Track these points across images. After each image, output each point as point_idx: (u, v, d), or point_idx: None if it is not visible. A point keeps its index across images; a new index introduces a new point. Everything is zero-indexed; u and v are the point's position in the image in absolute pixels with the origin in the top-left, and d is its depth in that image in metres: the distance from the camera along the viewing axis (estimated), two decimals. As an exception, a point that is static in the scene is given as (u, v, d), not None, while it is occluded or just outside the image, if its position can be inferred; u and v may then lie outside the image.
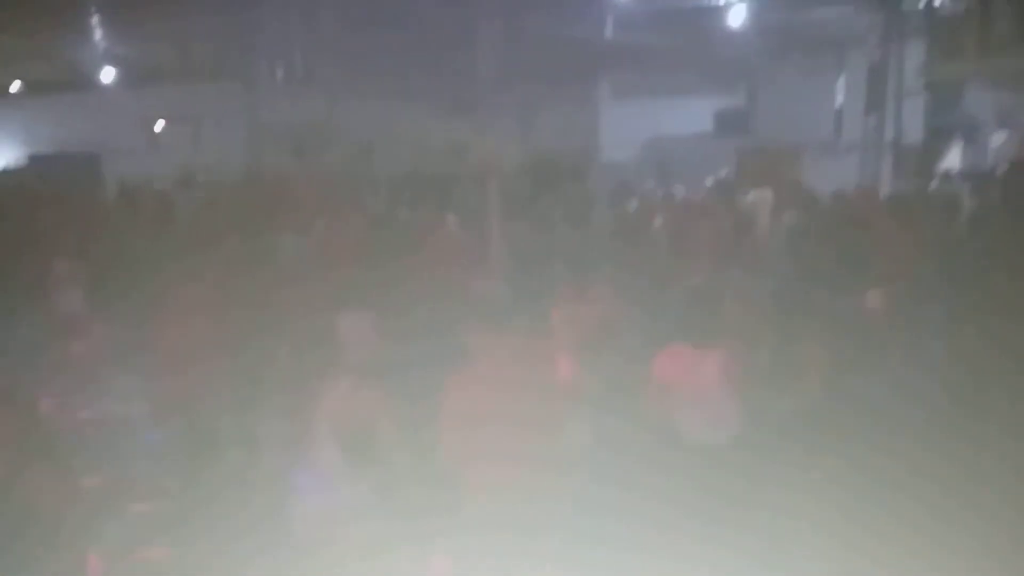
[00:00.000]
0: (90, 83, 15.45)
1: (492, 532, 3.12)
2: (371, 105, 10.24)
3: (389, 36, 9.69)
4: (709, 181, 12.24)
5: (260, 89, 10.51)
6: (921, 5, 9.39)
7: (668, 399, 3.81)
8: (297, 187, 7.99)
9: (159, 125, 15.52)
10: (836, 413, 3.69)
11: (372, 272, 4.76)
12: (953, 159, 10.67)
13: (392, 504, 3.15)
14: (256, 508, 3.29)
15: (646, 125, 15.94)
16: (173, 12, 9.69)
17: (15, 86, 17.48)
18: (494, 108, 4.99)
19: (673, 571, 3.32)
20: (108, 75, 15.63)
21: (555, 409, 3.30)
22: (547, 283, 4.67)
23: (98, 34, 13.53)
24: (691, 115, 15.54)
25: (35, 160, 14.31)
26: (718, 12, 11.85)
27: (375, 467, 3.16)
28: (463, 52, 6.06)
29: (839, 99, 13.41)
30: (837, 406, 3.75)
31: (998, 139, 13.25)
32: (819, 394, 3.84)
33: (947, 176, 10.27)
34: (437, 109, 10.53)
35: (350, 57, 9.99)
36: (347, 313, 3.60)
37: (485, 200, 5.63)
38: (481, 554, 3.13)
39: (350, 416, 3.19)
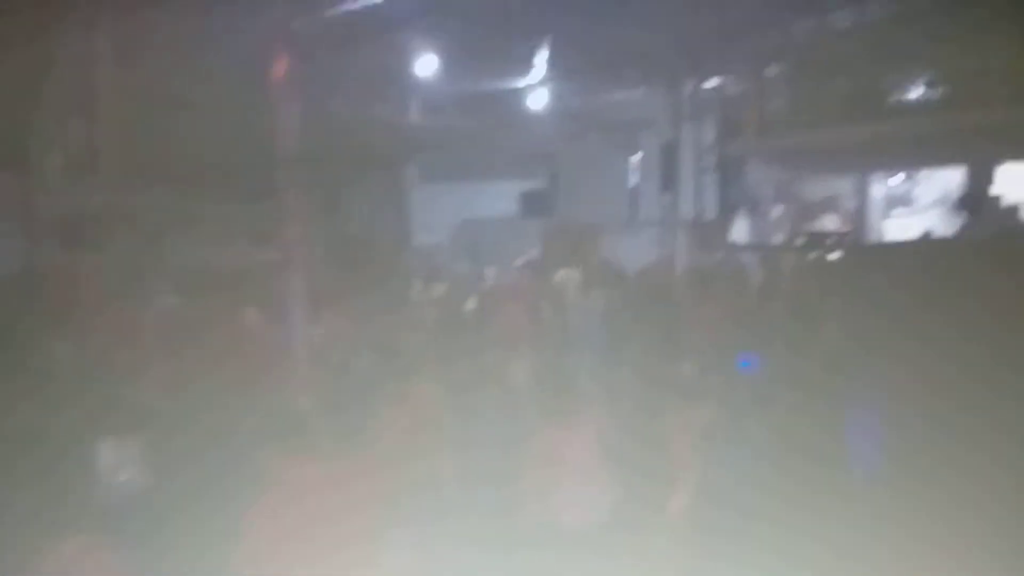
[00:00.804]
0: None
1: None
2: (160, 191, 9.59)
3: (179, 116, 9.16)
4: (519, 261, 12.45)
5: (35, 178, 9.55)
6: (707, 86, 10.10)
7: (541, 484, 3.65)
8: (75, 283, 7.26)
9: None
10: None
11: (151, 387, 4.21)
12: (741, 232, 11.42)
13: None
14: None
15: (454, 208, 16.08)
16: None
17: None
18: (296, 192, 4.70)
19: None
20: None
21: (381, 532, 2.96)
22: (362, 386, 4.37)
23: None
24: (497, 197, 15.84)
25: None
26: (519, 96, 12.21)
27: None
28: (261, 133, 5.75)
29: (635, 178, 14.13)
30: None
31: (776, 212, 14.44)
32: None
33: (736, 249, 10.96)
34: (234, 194, 10.02)
35: (136, 139, 9.33)
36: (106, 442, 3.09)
37: (289, 290, 5.29)
38: None
39: None
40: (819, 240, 10.44)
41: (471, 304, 7.84)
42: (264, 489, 2.95)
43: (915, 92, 11.99)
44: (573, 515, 3.71)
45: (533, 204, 15.38)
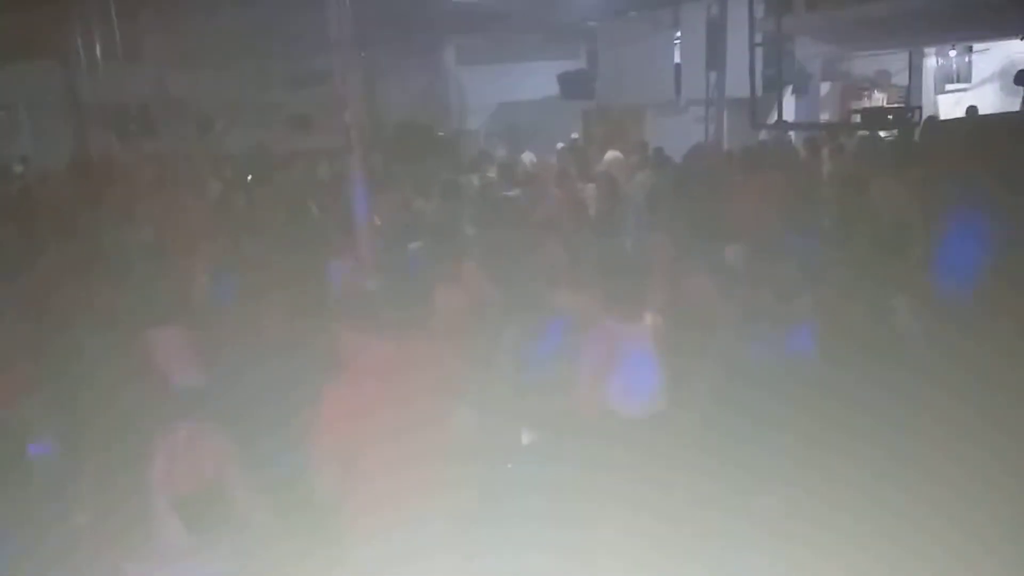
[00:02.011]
0: None
1: None
2: (206, 79, 9.59)
3: (219, 4, 9.05)
4: (560, 145, 12.34)
5: (79, 67, 9.57)
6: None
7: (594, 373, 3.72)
8: (130, 172, 7.41)
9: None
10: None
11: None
12: (787, 110, 11.16)
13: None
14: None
15: (492, 91, 15.83)
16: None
17: None
18: (343, 77, 4.70)
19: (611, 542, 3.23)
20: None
21: (452, 409, 3.09)
22: (419, 268, 4.47)
23: None
24: (536, 78, 15.53)
25: None
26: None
27: (231, 536, 2.71)
28: (304, 18, 5.69)
29: (678, 56, 13.73)
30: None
31: (824, 89, 14.05)
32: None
33: (784, 127, 10.74)
34: (280, 80, 10.01)
35: (178, 28, 9.27)
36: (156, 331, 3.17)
37: (340, 176, 5.34)
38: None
39: (188, 477, 2.67)
40: (870, 117, 10.15)
41: (515, 190, 7.86)
42: (334, 365, 3.05)
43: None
44: (622, 396, 3.79)
45: (572, 85, 15.04)
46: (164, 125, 8.87)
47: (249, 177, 6.61)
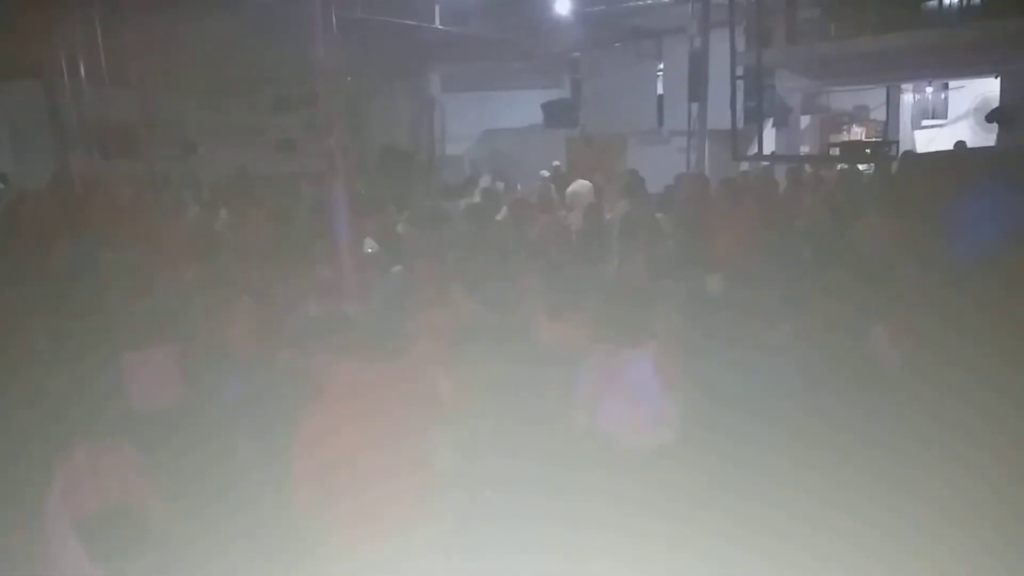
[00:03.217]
0: None
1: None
2: (191, 101, 9.59)
3: (207, 26, 9.08)
4: (544, 172, 12.42)
5: (63, 88, 9.55)
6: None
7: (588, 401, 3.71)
8: (108, 192, 7.37)
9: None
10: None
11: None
12: (768, 143, 11.33)
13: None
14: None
15: (477, 118, 15.96)
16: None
17: None
18: (328, 102, 4.71)
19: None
20: None
21: (432, 436, 3.08)
22: (402, 291, 4.46)
23: None
24: (520, 107, 15.68)
25: None
26: (543, 2, 11.94)
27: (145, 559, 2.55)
28: (292, 43, 5.71)
29: (661, 87, 13.91)
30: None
31: (804, 122, 14.26)
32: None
33: (764, 159, 10.88)
34: (264, 104, 10.03)
35: (164, 49, 9.28)
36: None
37: (324, 199, 5.33)
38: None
39: (92, 497, 2.51)
40: (849, 151, 10.32)
41: (500, 215, 7.88)
42: (315, 389, 3.03)
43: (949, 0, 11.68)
44: (606, 422, 3.79)
45: (556, 113, 15.20)
46: (148, 147, 8.85)
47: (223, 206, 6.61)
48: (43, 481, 2.50)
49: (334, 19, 4.90)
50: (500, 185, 11.15)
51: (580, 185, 9.95)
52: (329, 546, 2.81)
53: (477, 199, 8.48)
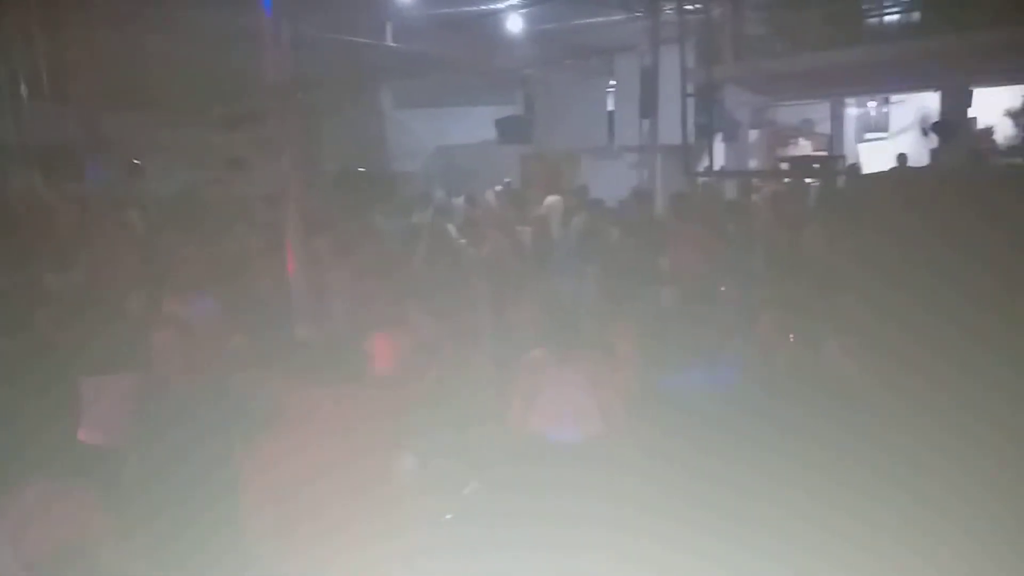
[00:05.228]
0: None
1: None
2: (134, 120, 9.40)
3: (151, 41, 8.92)
4: (497, 188, 12.45)
5: (3, 107, 9.29)
6: (685, 9, 10.01)
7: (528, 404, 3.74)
8: (54, 213, 7.17)
9: None
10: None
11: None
12: (719, 157, 11.48)
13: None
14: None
15: (429, 134, 15.94)
16: None
17: None
18: (276, 119, 4.64)
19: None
20: None
21: (391, 455, 3.05)
22: (359, 315, 4.42)
23: None
24: (473, 123, 15.69)
25: None
26: (494, 20, 11.98)
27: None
28: (237, 59, 5.65)
29: (612, 104, 14.04)
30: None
31: (752, 136, 14.51)
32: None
33: (714, 174, 11.02)
34: (213, 122, 9.86)
35: (108, 66, 9.08)
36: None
37: (277, 219, 5.25)
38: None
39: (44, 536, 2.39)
40: (797, 165, 10.52)
41: (453, 231, 7.87)
42: (270, 415, 2.98)
43: (890, 17, 12.02)
44: (563, 433, 3.83)
45: (509, 130, 15.24)
46: (91, 167, 8.64)
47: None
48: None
49: (284, 36, 4.85)
50: (458, 201, 11.14)
51: (555, 199, 10.02)
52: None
53: (430, 217, 8.46)
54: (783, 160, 13.68)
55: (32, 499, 2.43)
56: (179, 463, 3.02)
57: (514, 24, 12.14)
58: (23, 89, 9.03)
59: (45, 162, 8.55)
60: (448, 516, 3.51)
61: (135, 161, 9.04)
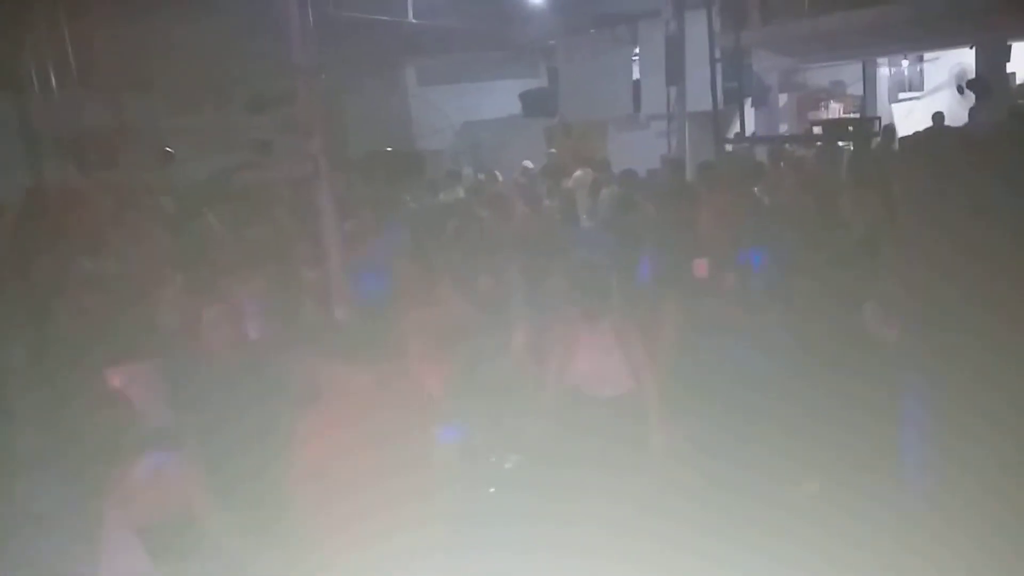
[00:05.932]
0: None
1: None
2: (164, 105, 9.47)
3: (177, 27, 8.96)
4: (525, 162, 12.36)
5: (34, 97, 9.40)
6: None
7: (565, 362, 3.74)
8: (85, 201, 7.26)
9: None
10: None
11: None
12: (748, 123, 11.31)
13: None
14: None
15: (455, 111, 15.86)
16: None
17: None
18: (302, 101, 4.63)
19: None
20: None
21: (430, 431, 3.06)
22: (393, 291, 4.42)
23: None
24: (498, 97, 15.60)
25: None
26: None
27: (200, 563, 2.63)
28: (265, 42, 5.64)
29: (637, 72, 13.87)
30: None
31: (782, 101, 14.28)
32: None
33: (744, 140, 10.87)
34: (240, 105, 9.91)
35: (135, 53, 9.14)
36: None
37: (307, 201, 5.27)
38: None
39: (153, 505, 2.62)
40: (830, 128, 10.32)
41: (483, 208, 7.83)
42: (308, 395, 3.00)
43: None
44: (599, 390, 3.85)
45: (534, 103, 15.14)
46: (123, 154, 8.73)
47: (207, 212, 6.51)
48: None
49: (309, 16, 4.83)
50: (479, 176, 11.10)
51: (583, 172, 9.96)
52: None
53: (461, 193, 8.43)
54: (815, 124, 13.41)
55: (143, 470, 2.55)
56: (232, 441, 3.06)
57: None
58: (53, 79, 9.14)
59: (79, 153, 8.66)
60: (492, 490, 3.54)
61: (168, 149, 9.11)
